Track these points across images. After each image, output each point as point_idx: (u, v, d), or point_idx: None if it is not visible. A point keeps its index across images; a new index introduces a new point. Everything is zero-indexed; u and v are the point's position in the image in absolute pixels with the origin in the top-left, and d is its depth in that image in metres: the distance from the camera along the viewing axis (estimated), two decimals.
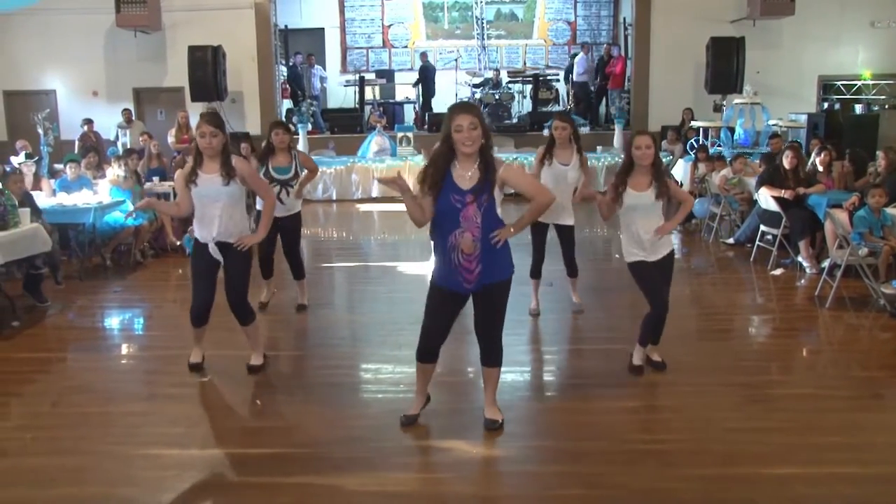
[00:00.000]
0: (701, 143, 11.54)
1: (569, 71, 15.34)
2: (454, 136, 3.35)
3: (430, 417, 3.94)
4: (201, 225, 4.28)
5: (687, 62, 13.72)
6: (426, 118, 14.20)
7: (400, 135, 12.69)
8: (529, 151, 12.52)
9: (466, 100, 14.71)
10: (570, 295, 5.82)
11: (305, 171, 5.78)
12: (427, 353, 3.71)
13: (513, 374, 4.63)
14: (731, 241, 8.16)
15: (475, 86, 14.81)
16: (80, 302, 6.36)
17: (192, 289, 4.45)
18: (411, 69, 16.24)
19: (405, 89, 15.69)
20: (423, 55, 15.49)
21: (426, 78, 15.05)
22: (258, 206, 5.43)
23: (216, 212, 4.20)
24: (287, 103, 14.88)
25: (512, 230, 3.50)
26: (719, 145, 11.43)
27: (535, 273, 5.61)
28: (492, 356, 3.71)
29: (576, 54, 15.59)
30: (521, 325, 5.51)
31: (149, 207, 4.58)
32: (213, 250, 4.25)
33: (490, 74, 15.05)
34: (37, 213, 6.38)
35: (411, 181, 3.50)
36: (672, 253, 4.45)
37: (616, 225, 5.09)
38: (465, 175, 3.39)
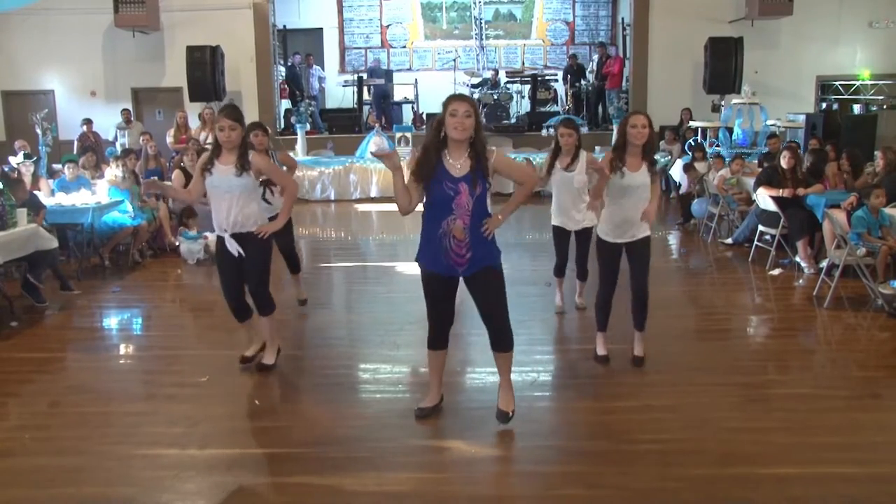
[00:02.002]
0: (698, 142, 11.53)
1: (567, 72, 15.32)
2: (447, 121, 3.43)
3: (429, 418, 3.95)
4: (215, 215, 4.33)
5: (685, 62, 13.74)
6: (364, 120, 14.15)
7: (398, 135, 12.69)
8: (528, 152, 12.53)
9: None
10: (576, 294, 5.87)
11: (285, 168, 5.79)
12: (437, 339, 3.77)
13: (512, 374, 4.63)
14: (729, 241, 8.17)
15: (473, 86, 14.79)
16: (79, 302, 6.35)
17: (221, 285, 4.49)
18: (409, 69, 16.26)
19: (404, 89, 15.68)
20: (377, 61, 15.64)
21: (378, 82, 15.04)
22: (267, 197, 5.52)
23: (228, 203, 4.24)
24: (285, 103, 14.86)
25: (500, 217, 3.59)
26: (717, 145, 11.43)
27: (559, 272, 5.72)
28: (501, 340, 3.74)
29: (574, 55, 15.58)
30: (521, 325, 5.49)
31: (156, 190, 4.63)
32: (230, 243, 4.28)
33: (488, 74, 15.03)
34: (36, 209, 6.43)
35: (407, 174, 3.55)
36: (648, 238, 4.50)
37: None
38: (457, 164, 3.47)
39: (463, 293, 3.71)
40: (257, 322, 4.62)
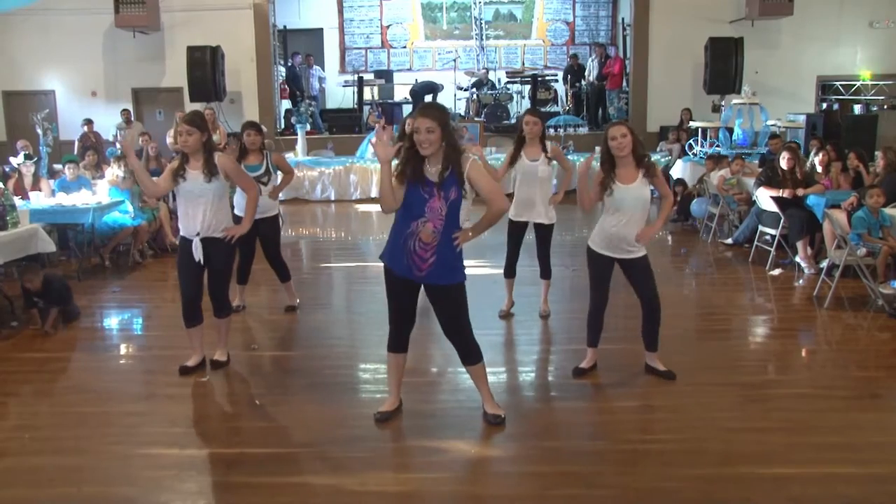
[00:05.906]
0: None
1: (568, 72, 15.32)
2: (414, 137, 3.44)
3: (429, 417, 3.96)
4: (186, 220, 4.39)
5: (685, 62, 13.74)
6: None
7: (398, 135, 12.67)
8: None
9: (466, 99, 14.74)
10: (541, 298, 5.66)
11: (279, 171, 5.78)
12: (395, 341, 3.80)
13: (511, 373, 4.65)
14: (729, 241, 8.17)
15: (473, 86, 14.80)
16: (79, 302, 6.32)
17: (180, 286, 4.50)
18: (410, 69, 16.25)
19: (404, 89, 15.67)
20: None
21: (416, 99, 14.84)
22: (235, 211, 5.51)
23: (201, 207, 4.31)
24: (286, 104, 14.87)
25: (470, 234, 3.58)
26: (718, 146, 11.43)
27: (509, 272, 5.53)
28: (467, 355, 3.76)
29: (575, 55, 15.58)
30: (520, 325, 5.51)
31: (129, 161, 4.61)
32: (196, 247, 4.33)
33: (480, 75, 15.03)
34: None
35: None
36: (645, 257, 4.24)
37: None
38: (433, 170, 3.48)
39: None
40: (198, 334, 4.60)
